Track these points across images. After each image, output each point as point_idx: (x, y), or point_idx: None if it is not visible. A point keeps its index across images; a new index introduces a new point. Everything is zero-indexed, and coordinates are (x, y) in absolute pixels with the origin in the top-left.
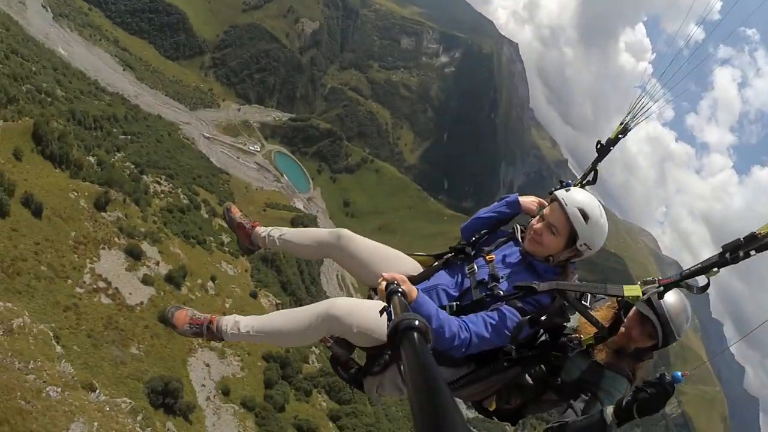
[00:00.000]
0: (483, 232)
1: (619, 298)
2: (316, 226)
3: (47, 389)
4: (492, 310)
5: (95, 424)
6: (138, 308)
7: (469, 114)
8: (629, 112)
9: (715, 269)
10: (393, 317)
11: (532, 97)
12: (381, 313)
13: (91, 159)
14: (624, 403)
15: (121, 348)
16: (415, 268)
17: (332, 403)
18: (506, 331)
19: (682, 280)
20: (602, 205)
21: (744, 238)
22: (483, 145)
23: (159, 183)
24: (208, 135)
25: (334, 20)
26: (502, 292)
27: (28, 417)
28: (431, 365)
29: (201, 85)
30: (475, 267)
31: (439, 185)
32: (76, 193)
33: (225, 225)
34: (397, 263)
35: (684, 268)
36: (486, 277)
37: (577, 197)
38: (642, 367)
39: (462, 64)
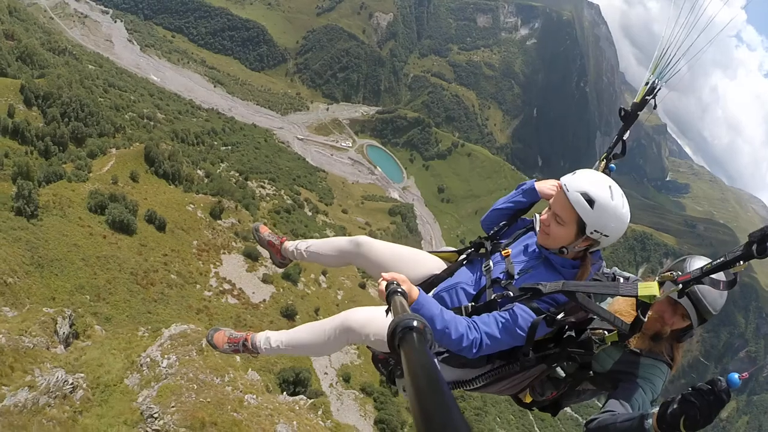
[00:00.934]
0: (502, 224)
1: (635, 296)
2: (413, 214)
3: (246, 397)
4: (505, 310)
5: (294, 423)
6: (262, 305)
7: (556, 86)
8: (655, 67)
9: (742, 263)
10: (392, 318)
11: (621, 60)
12: (387, 314)
13: (200, 172)
14: (669, 415)
15: None
16: (439, 266)
17: None
18: (519, 331)
19: (703, 276)
20: (614, 183)
21: None
22: (575, 117)
23: (263, 187)
24: (301, 137)
25: (407, 9)
26: (513, 293)
27: (242, 426)
28: (431, 365)
29: (289, 91)
30: (491, 264)
31: (534, 163)
32: (192, 206)
33: (329, 219)
34: (418, 264)
35: None
36: (501, 276)
37: (580, 181)
38: (681, 347)
39: (543, 34)
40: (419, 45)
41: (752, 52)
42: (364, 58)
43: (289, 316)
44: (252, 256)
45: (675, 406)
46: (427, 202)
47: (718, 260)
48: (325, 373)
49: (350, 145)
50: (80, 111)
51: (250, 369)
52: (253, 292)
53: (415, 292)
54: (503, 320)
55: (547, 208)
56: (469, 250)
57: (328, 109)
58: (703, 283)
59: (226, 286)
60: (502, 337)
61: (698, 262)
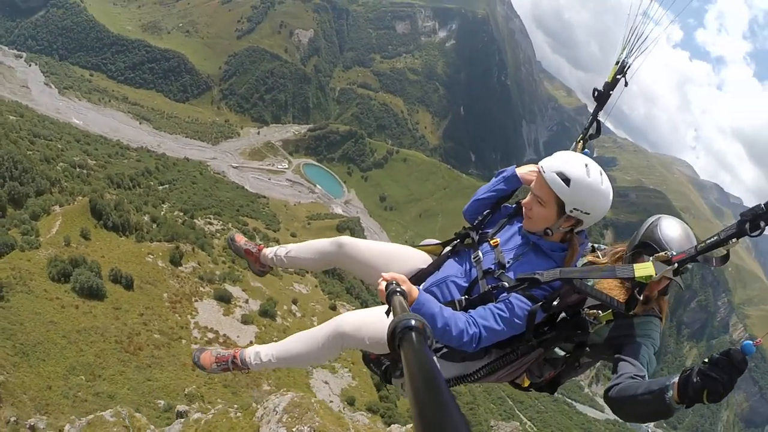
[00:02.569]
0: (485, 212)
1: (631, 279)
2: (360, 227)
3: None
4: (501, 301)
5: None
6: None
7: (479, 82)
8: (623, 46)
9: (734, 240)
10: (392, 318)
11: (536, 50)
12: (387, 314)
13: (145, 218)
14: (690, 389)
15: (256, 389)
16: (425, 260)
17: None
18: (518, 321)
19: (697, 255)
20: (591, 161)
21: (765, 204)
22: (500, 110)
23: (211, 223)
24: (236, 165)
25: (326, 24)
26: (508, 283)
27: None
28: (430, 365)
29: (217, 119)
30: (480, 254)
31: (467, 159)
32: (151, 256)
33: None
34: (404, 260)
35: (724, 191)
36: (492, 266)
37: (556, 161)
38: (665, 300)
39: (461, 34)
40: (342, 58)
41: (654, 33)
42: (289, 77)
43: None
44: (224, 299)
45: (696, 380)
46: (371, 212)
47: (712, 238)
48: (331, 401)
49: (286, 166)
50: (14, 169)
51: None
52: (238, 336)
53: (414, 291)
54: (500, 312)
55: (529, 193)
56: (455, 242)
57: (259, 133)
58: (698, 261)
59: (210, 335)
60: (501, 329)
61: (668, 224)
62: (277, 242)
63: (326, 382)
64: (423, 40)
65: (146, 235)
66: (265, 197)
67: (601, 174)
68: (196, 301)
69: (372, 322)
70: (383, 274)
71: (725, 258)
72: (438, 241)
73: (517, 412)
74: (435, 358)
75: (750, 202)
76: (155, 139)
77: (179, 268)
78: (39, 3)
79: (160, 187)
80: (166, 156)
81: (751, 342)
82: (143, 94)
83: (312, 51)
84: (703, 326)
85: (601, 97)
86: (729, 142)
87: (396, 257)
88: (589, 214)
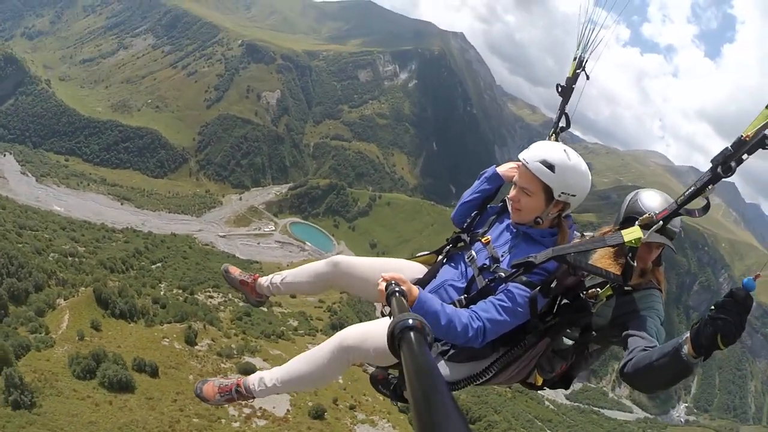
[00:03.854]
0: (473, 214)
1: (621, 245)
2: None
3: None
4: (500, 292)
5: None
6: (290, 416)
7: (446, 116)
8: (578, 44)
9: (711, 187)
10: (392, 319)
11: (495, 75)
12: (389, 315)
13: (148, 300)
14: (703, 338)
15: None
16: (420, 270)
17: None
18: (520, 309)
19: (679, 209)
20: (571, 148)
21: (732, 146)
22: (471, 139)
23: (212, 297)
24: (222, 234)
25: (291, 82)
26: (504, 274)
27: None
28: (430, 364)
29: (197, 190)
30: (473, 253)
31: (448, 192)
32: (167, 339)
33: (285, 309)
34: (399, 272)
35: (700, 172)
36: (486, 262)
37: (536, 151)
38: (660, 270)
39: (421, 73)
40: (312, 113)
41: (605, 29)
42: (263, 139)
43: (320, 416)
44: (249, 372)
45: (706, 327)
46: None
47: (689, 189)
48: None
49: (273, 228)
50: (9, 265)
51: None
52: (273, 406)
53: (414, 290)
54: (501, 303)
55: (513, 187)
56: (448, 247)
57: (241, 199)
58: (681, 215)
59: (247, 411)
60: (505, 319)
61: (647, 194)
62: (280, 306)
63: None
64: (386, 84)
65: (155, 319)
66: (257, 262)
67: (578, 157)
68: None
69: (375, 332)
70: (383, 274)
71: (706, 207)
72: (431, 251)
73: (548, 431)
74: (443, 361)
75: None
76: (139, 218)
77: (195, 347)
78: (7, 91)
79: (153, 267)
80: (153, 234)
81: (750, 278)
82: (121, 174)
83: (281, 111)
84: (709, 306)
85: (565, 91)
86: (695, 124)
87: (392, 269)
88: (575, 195)
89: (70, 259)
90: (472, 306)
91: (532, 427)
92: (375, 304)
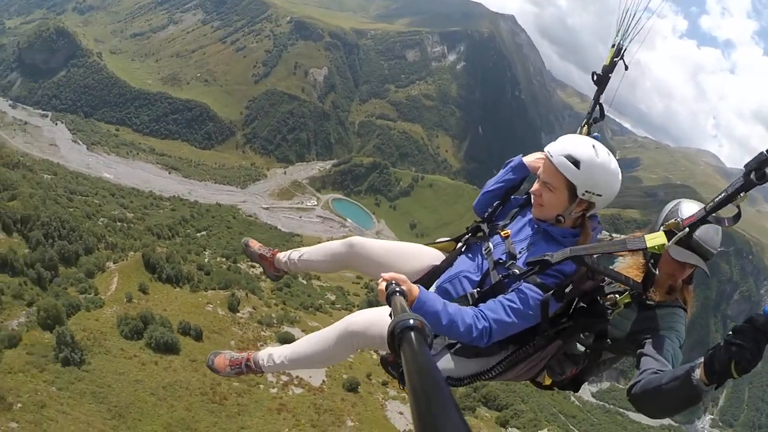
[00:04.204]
0: (495, 204)
1: (644, 251)
2: None
3: None
4: (511, 292)
5: None
6: (325, 386)
7: (494, 100)
8: (618, 30)
9: (743, 194)
10: (392, 319)
11: (545, 60)
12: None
13: (192, 267)
14: (717, 363)
15: (342, 426)
16: (437, 257)
17: (492, 411)
18: (530, 312)
19: (708, 215)
20: (602, 145)
21: (767, 151)
22: (518, 124)
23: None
24: (266, 206)
25: (339, 60)
26: (518, 271)
27: None
28: (429, 365)
29: (243, 163)
30: (491, 246)
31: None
32: (210, 305)
33: (323, 282)
34: (416, 257)
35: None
36: (503, 257)
37: (563, 144)
38: (690, 289)
39: (470, 55)
40: (358, 92)
41: (663, 19)
42: (309, 115)
43: (353, 389)
44: (288, 341)
45: (721, 353)
46: (403, 240)
47: (720, 196)
48: (410, 430)
49: (315, 203)
50: (62, 229)
51: None
52: (310, 376)
53: (415, 290)
54: (511, 304)
55: (537, 180)
56: (467, 236)
57: (285, 173)
58: (709, 222)
59: (285, 378)
60: (512, 321)
61: (689, 206)
62: (319, 279)
63: (401, 413)
64: (434, 65)
65: (199, 285)
66: (299, 235)
67: (608, 154)
68: (262, 345)
69: (381, 320)
70: (383, 274)
71: (737, 216)
72: (450, 238)
73: (572, 427)
74: (449, 354)
75: None
76: (186, 188)
77: (237, 314)
78: (59, 64)
79: (198, 234)
80: (199, 203)
81: None
82: (169, 145)
83: (328, 88)
84: (744, 318)
85: (601, 80)
86: (750, 126)
87: (408, 255)
88: (601, 195)
89: (118, 224)
90: (480, 304)
91: (555, 420)
92: None
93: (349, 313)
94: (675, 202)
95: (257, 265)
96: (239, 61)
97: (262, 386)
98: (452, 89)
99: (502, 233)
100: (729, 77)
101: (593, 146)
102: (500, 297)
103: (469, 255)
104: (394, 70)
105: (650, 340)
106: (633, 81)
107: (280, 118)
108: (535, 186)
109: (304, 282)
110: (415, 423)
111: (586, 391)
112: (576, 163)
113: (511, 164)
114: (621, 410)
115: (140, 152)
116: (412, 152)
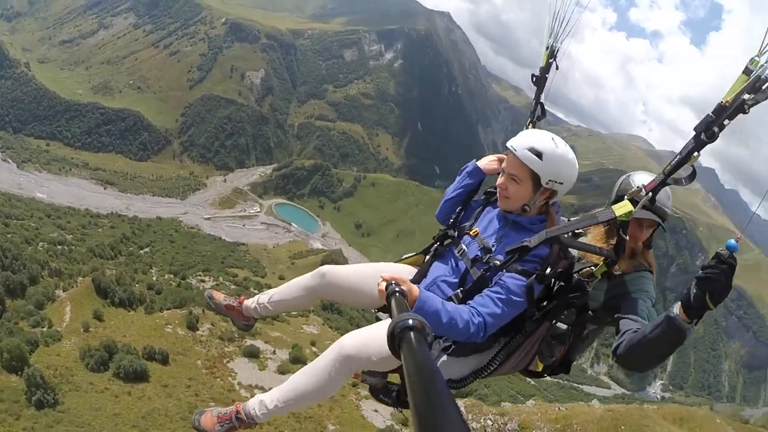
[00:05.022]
0: (458, 210)
1: (613, 220)
2: (344, 258)
3: None
4: (496, 284)
5: None
6: None
7: (431, 96)
8: (549, 33)
9: (696, 154)
10: (392, 319)
11: (480, 55)
12: (390, 316)
13: (142, 287)
14: (692, 297)
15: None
16: (410, 272)
17: (458, 399)
18: (517, 299)
19: (667, 178)
20: (555, 135)
21: (713, 113)
22: (455, 119)
23: (203, 281)
24: (208, 216)
25: (276, 62)
26: (499, 262)
27: None
28: (429, 364)
29: (181, 173)
30: (464, 246)
31: (432, 173)
32: (170, 326)
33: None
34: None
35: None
36: (479, 253)
37: (525, 139)
38: (651, 253)
39: (407, 53)
40: (296, 93)
41: (593, 13)
42: (246, 120)
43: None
44: (253, 354)
45: (695, 290)
46: (350, 241)
47: (675, 159)
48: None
49: (258, 210)
50: (3, 258)
51: None
52: None
53: (415, 290)
54: (498, 295)
55: (500, 174)
56: (435, 246)
57: (225, 180)
58: (669, 184)
59: (257, 392)
60: (503, 311)
61: (640, 176)
62: (270, 287)
63: (376, 410)
64: (372, 64)
65: (153, 306)
66: (244, 244)
67: (566, 145)
68: (228, 362)
69: (374, 337)
70: (382, 274)
71: (693, 175)
72: (417, 252)
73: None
74: (446, 357)
75: (707, 163)
76: (123, 203)
77: (198, 332)
78: None
79: (142, 252)
80: (138, 218)
81: (732, 241)
82: (103, 158)
83: (265, 91)
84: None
85: (539, 81)
86: (678, 110)
87: (380, 274)
88: (562, 183)
89: (59, 247)
90: (469, 301)
91: (516, 401)
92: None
93: (306, 322)
94: (625, 176)
95: (223, 316)
96: (173, 66)
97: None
98: (390, 87)
99: (471, 232)
100: (657, 66)
101: (552, 139)
102: (486, 291)
103: (441, 261)
104: (332, 70)
105: (624, 303)
106: (564, 73)
107: (218, 124)
108: (501, 180)
109: (256, 292)
110: (415, 423)
111: None
112: (539, 154)
113: (467, 169)
114: (575, 385)
115: (73, 168)
116: (353, 152)
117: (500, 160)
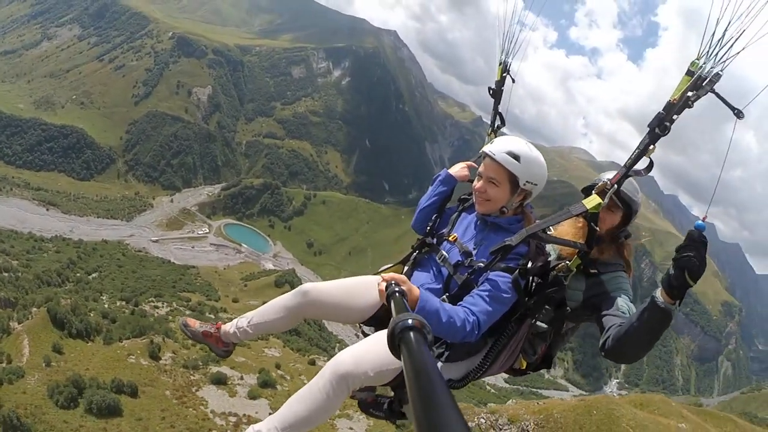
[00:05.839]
0: (434, 217)
1: (585, 213)
2: (297, 278)
3: None
4: (483, 284)
5: None
6: None
7: (379, 113)
8: (502, 50)
9: (652, 147)
10: (392, 319)
11: (426, 73)
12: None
13: (96, 316)
14: (674, 279)
15: None
16: None
17: None
18: (506, 295)
19: (628, 171)
20: (528, 141)
21: (664, 110)
22: (403, 136)
23: (157, 307)
24: (155, 238)
25: (223, 78)
26: (482, 264)
27: None
28: (429, 364)
29: (126, 193)
30: (444, 253)
31: (381, 189)
32: (132, 356)
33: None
34: (369, 290)
35: (622, 164)
36: (460, 258)
37: (501, 143)
38: (626, 248)
39: (354, 70)
40: (244, 110)
41: (535, 32)
42: (193, 137)
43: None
44: (221, 381)
45: (673, 270)
46: (302, 260)
47: (634, 153)
48: None
49: (207, 230)
50: None
51: None
52: (256, 412)
53: (415, 290)
54: (487, 293)
55: (477, 179)
56: (414, 254)
57: (172, 201)
58: (630, 176)
59: (233, 419)
60: (494, 308)
61: (606, 174)
62: (225, 311)
63: (351, 429)
64: (320, 81)
65: (111, 335)
66: (194, 267)
67: (536, 150)
68: (197, 390)
69: (368, 351)
70: (383, 275)
71: (650, 166)
72: (396, 262)
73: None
74: (440, 363)
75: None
76: (67, 225)
77: (161, 361)
78: None
79: (90, 277)
80: (83, 241)
81: (699, 220)
82: (45, 177)
83: (213, 108)
84: (634, 290)
85: (496, 93)
86: (617, 123)
87: (362, 289)
88: (536, 184)
89: (6, 275)
90: (460, 302)
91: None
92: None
93: (267, 345)
94: (598, 176)
95: (200, 343)
96: (118, 80)
97: (214, 431)
98: (338, 104)
99: (450, 238)
100: (596, 81)
101: (526, 144)
102: (474, 291)
103: (421, 269)
104: (280, 87)
105: (604, 302)
106: (507, 88)
107: (163, 142)
108: (479, 184)
109: (212, 316)
110: (415, 423)
111: (500, 378)
112: (516, 157)
113: (440, 178)
114: (534, 390)
115: (14, 187)
116: (302, 170)
117: (470, 167)
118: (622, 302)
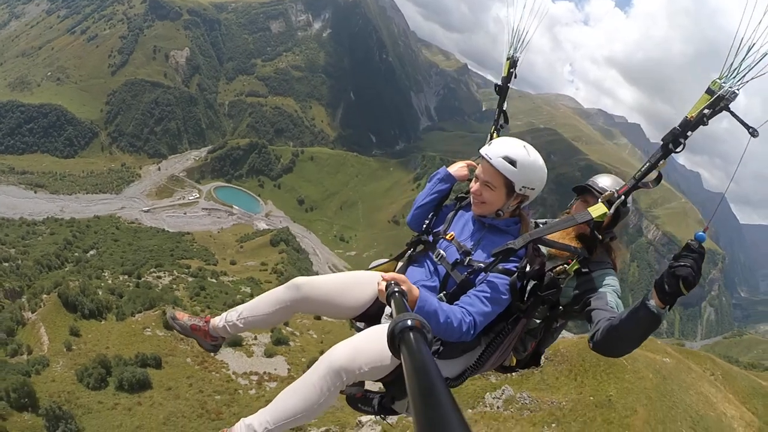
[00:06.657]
0: (431, 215)
1: (589, 221)
2: (292, 235)
3: None
4: (481, 284)
5: None
6: (293, 374)
7: (362, 64)
8: (510, 45)
9: (663, 161)
10: (392, 319)
11: (409, 21)
12: (390, 316)
13: (105, 293)
14: (667, 285)
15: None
16: None
17: None
18: (503, 297)
19: (638, 183)
20: (528, 144)
21: (680, 126)
22: (388, 87)
23: (159, 277)
24: (146, 208)
25: (200, 38)
26: (482, 264)
27: None
28: (429, 363)
29: (112, 166)
30: (441, 251)
31: (369, 142)
32: (148, 329)
33: (233, 276)
34: (363, 285)
35: (608, 114)
36: (458, 256)
37: (498, 147)
38: (615, 249)
39: (335, 22)
40: (224, 70)
41: (534, 25)
42: (175, 102)
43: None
44: (236, 343)
45: (668, 278)
46: (294, 217)
47: (645, 165)
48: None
49: (198, 195)
50: None
51: None
52: (275, 369)
53: (415, 290)
54: (485, 294)
55: (473, 181)
56: (409, 252)
57: (159, 169)
58: (639, 188)
59: (254, 377)
60: (491, 309)
61: (602, 179)
62: (226, 275)
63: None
64: (300, 35)
65: (124, 311)
66: (188, 233)
67: (536, 153)
68: (216, 354)
69: (365, 346)
70: (382, 275)
71: (658, 179)
72: (390, 258)
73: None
74: (437, 360)
75: (633, 119)
76: (56, 205)
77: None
78: None
79: (89, 255)
80: (76, 220)
81: (701, 232)
82: (29, 159)
83: (192, 70)
84: (619, 236)
85: (502, 90)
86: (603, 70)
87: (356, 284)
88: (533, 189)
89: (6, 264)
90: (456, 302)
91: None
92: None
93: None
94: (592, 179)
95: (188, 337)
96: (92, 52)
97: (240, 392)
98: (320, 58)
99: (447, 237)
100: (583, 28)
101: (524, 146)
102: (472, 291)
103: (416, 266)
104: (259, 43)
105: (594, 297)
106: (494, 36)
107: (145, 110)
108: (475, 186)
109: (214, 281)
110: (415, 422)
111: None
112: (512, 162)
113: (438, 176)
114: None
115: None
116: (287, 127)
117: (469, 167)
118: (611, 298)
